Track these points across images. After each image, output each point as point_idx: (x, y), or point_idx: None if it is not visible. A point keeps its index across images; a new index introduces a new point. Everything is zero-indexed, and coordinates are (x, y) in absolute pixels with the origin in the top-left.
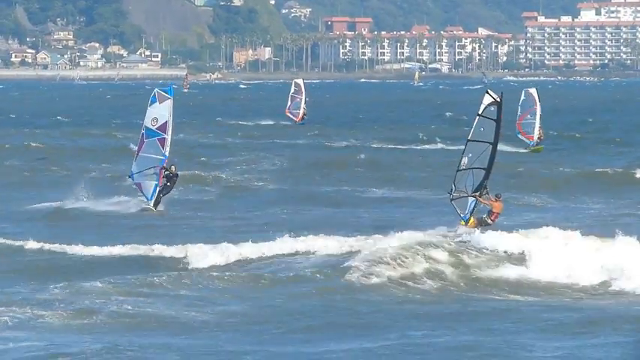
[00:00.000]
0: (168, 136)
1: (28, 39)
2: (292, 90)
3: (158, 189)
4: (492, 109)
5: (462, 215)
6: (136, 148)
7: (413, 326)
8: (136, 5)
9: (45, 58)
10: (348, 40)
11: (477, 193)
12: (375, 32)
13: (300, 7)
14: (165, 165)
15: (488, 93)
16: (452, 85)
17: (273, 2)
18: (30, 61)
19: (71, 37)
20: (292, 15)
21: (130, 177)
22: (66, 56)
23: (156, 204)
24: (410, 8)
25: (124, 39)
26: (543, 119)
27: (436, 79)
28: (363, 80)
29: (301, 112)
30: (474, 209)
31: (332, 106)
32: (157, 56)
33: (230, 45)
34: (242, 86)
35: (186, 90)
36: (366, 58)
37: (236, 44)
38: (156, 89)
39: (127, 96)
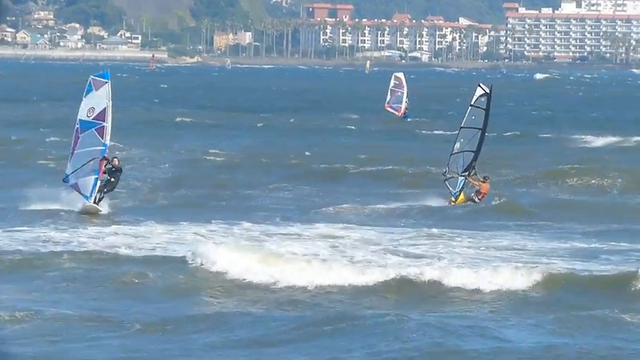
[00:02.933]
0: (108, 124)
1: (7, 18)
2: (392, 84)
3: (99, 183)
4: (483, 99)
5: (453, 192)
6: None
7: None
8: None
9: (25, 38)
10: (328, 27)
11: (467, 173)
12: (356, 19)
13: None
14: (106, 155)
15: (480, 86)
16: (436, 75)
17: None
18: (10, 40)
19: (52, 16)
20: (273, 0)
21: (64, 180)
22: (46, 36)
23: (98, 200)
24: None
25: (104, 20)
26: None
27: (416, 68)
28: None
29: (403, 105)
30: (463, 187)
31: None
32: (138, 38)
33: (211, 29)
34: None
35: (150, 70)
36: (346, 45)
37: (217, 28)
38: (91, 77)
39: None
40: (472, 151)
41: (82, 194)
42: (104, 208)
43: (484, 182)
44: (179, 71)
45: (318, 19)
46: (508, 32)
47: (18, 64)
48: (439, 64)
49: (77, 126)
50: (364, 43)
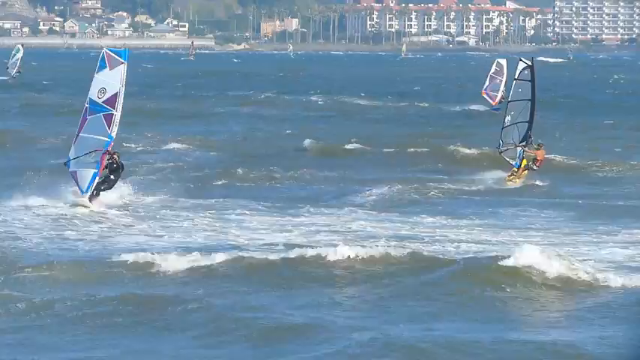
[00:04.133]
0: (118, 112)
1: (56, 7)
2: (493, 70)
3: (97, 179)
4: (526, 72)
5: (513, 163)
6: None
7: None
8: None
9: (73, 27)
10: (375, 12)
11: (524, 143)
12: (403, 4)
13: None
14: (109, 149)
15: (521, 60)
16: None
17: None
18: (58, 29)
19: (99, 5)
20: None
21: (65, 164)
22: (94, 25)
23: (93, 198)
24: None
25: (151, 8)
26: None
27: (461, 52)
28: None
29: (499, 95)
30: (522, 157)
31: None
32: (185, 26)
33: (257, 16)
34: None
35: (191, 58)
36: (393, 30)
37: (264, 15)
38: (104, 49)
39: None
40: (526, 122)
41: (78, 186)
42: (97, 205)
43: (538, 149)
44: (216, 58)
45: (365, 4)
46: (555, 15)
47: (55, 53)
48: (486, 49)
49: (86, 105)
50: (411, 28)
